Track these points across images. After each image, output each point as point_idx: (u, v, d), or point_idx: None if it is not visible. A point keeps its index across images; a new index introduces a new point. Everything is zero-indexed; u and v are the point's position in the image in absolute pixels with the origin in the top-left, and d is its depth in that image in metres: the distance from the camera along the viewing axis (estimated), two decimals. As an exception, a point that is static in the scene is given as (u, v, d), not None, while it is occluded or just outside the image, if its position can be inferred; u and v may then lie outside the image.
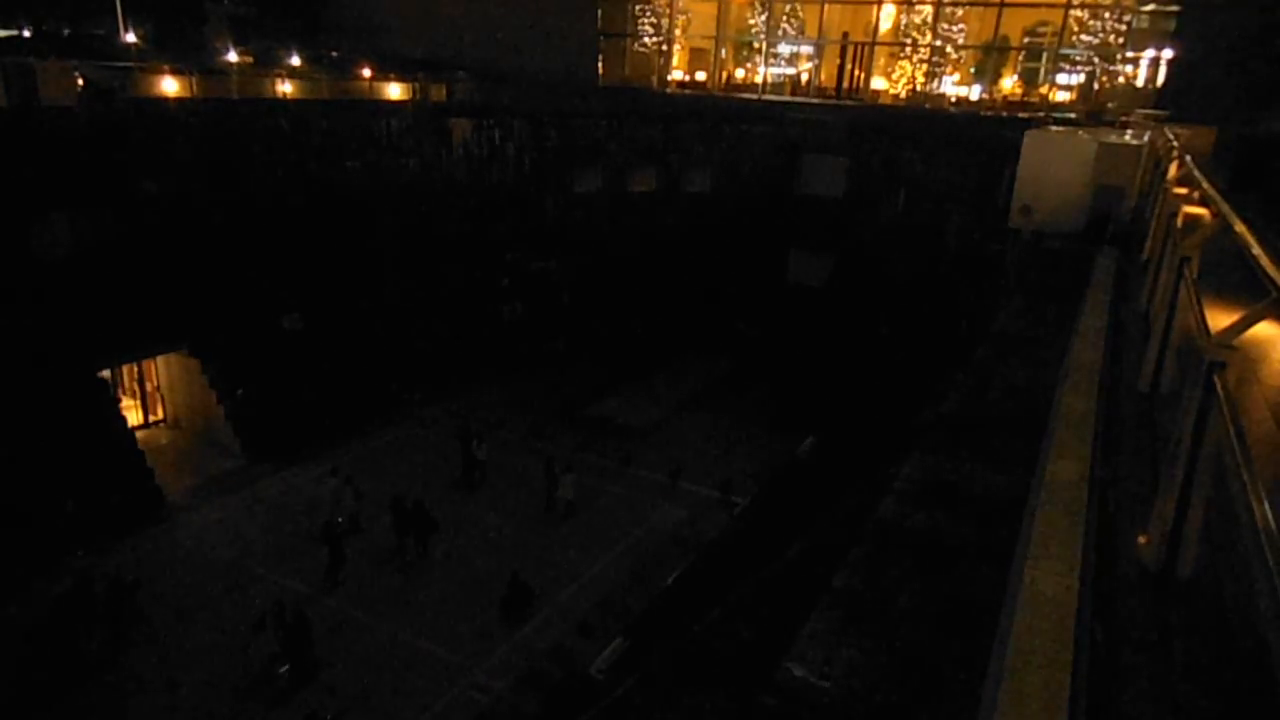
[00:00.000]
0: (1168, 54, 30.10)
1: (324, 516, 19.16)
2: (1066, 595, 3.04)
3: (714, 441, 25.79)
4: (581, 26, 38.44)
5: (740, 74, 39.96)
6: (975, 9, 33.65)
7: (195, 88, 28.69)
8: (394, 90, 35.51)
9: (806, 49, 37.91)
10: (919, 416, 11.34)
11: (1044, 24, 33.57)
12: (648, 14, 39.11)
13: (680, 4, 38.72)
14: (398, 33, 41.61)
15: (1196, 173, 7.06)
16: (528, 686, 15.40)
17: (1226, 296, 4.93)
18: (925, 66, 34.82)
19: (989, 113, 33.23)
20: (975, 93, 35.29)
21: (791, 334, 30.30)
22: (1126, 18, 31.29)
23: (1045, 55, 34.08)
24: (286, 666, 15.00)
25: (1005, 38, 34.27)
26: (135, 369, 24.83)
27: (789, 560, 10.66)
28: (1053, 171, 15.65)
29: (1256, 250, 3.73)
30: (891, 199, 31.72)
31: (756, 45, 38.56)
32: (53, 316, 20.94)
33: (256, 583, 17.76)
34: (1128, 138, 17.23)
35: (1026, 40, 34.67)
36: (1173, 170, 8.86)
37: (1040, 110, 31.96)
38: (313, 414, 24.30)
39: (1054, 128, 20.41)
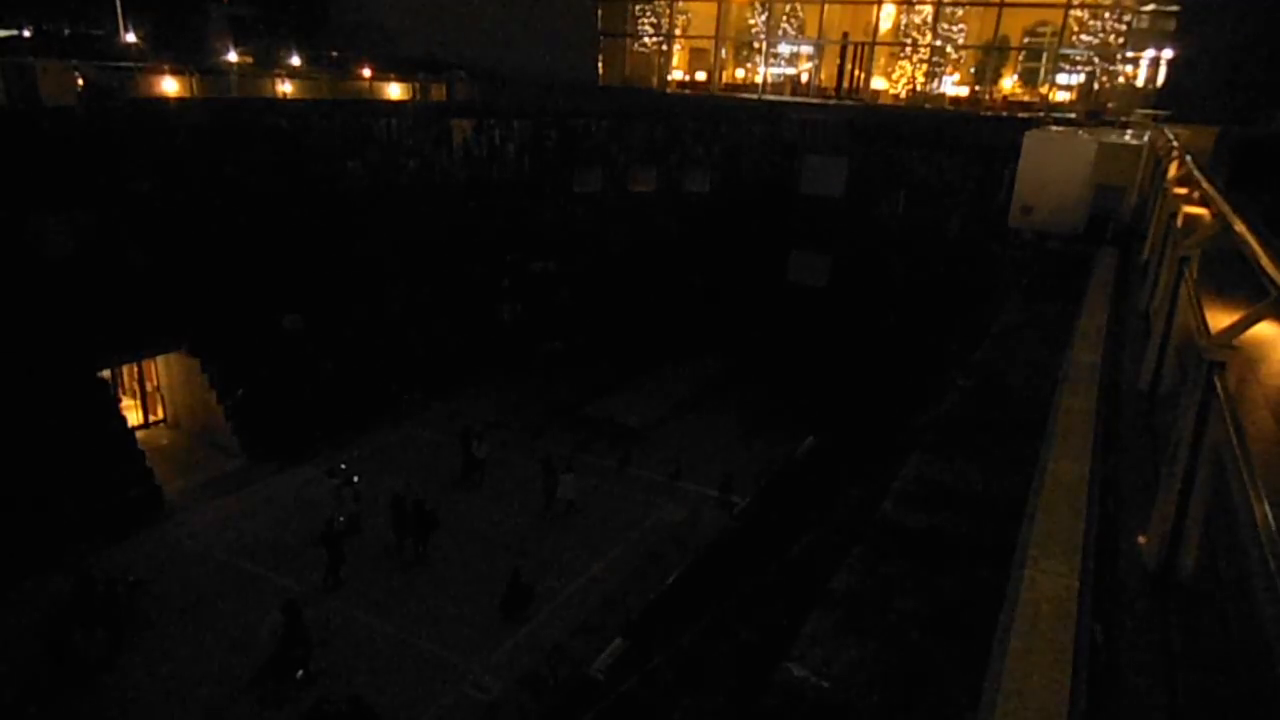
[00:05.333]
0: (1168, 54, 30.10)
1: (324, 516, 19.16)
2: (1066, 595, 3.04)
3: (714, 441, 25.77)
4: (581, 26, 38.45)
5: (740, 74, 39.95)
6: (975, 9, 33.64)
7: (195, 88, 28.66)
8: (394, 90, 35.48)
9: (806, 49, 37.90)
10: (919, 416, 11.34)
11: (1044, 24, 33.56)
12: (648, 14, 39.11)
13: (680, 4, 38.71)
14: (398, 33, 41.61)
15: (1196, 173, 7.05)
16: (528, 686, 15.40)
17: (1226, 296, 4.92)
18: (925, 66, 34.80)
19: (989, 113, 33.22)
20: (975, 93, 35.26)
21: (791, 334, 30.29)
22: (1126, 18, 31.27)
23: (1045, 55, 34.06)
24: (300, 672, 15.00)
25: (1005, 38, 34.25)
26: (135, 369, 24.82)
27: (789, 560, 10.66)
28: (1053, 171, 15.66)
29: (1256, 250, 3.72)
30: (891, 199, 31.71)
31: (756, 45, 38.56)
32: (53, 316, 20.93)
33: (256, 583, 17.75)
34: (1128, 138, 17.22)
35: (1026, 40, 34.65)
36: (1173, 170, 8.86)
37: (1040, 110, 31.95)
38: (313, 414, 24.29)
39: (1054, 128, 20.41)
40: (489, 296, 31.64)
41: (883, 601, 4.10)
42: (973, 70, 35.33)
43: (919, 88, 35.01)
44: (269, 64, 38.18)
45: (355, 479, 20.22)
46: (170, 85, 28.18)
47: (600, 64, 39.11)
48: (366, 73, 36.41)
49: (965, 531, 4.73)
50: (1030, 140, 16.14)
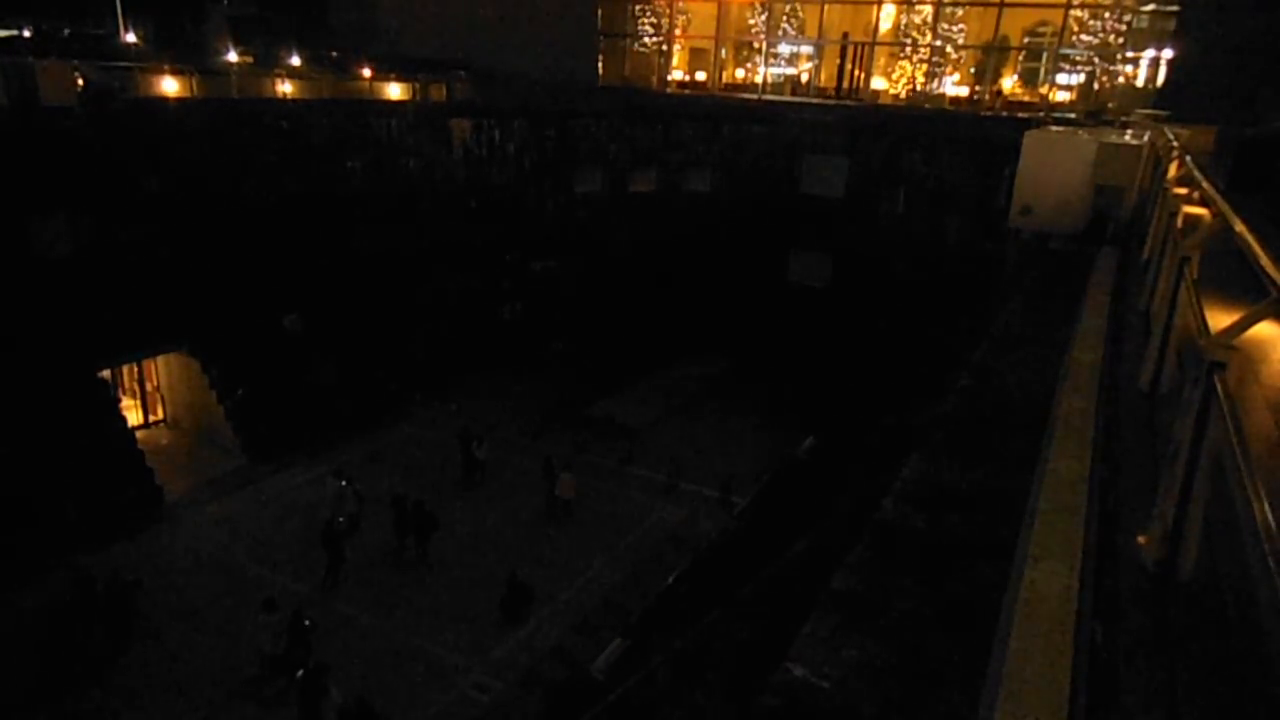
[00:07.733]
0: (1168, 54, 30.08)
1: (324, 517, 19.16)
2: (1066, 595, 3.04)
3: (714, 441, 25.78)
4: (581, 26, 38.43)
5: (740, 74, 39.94)
6: (975, 9, 33.62)
7: (195, 88, 28.63)
8: (394, 90, 35.45)
9: (806, 49, 37.89)
10: (919, 416, 11.34)
11: (1044, 24, 33.53)
12: (648, 14, 39.10)
13: (680, 4, 38.71)
14: (398, 33, 41.60)
15: (1196, 173, 7.05)
16: (528, 686, 15.40)
17: (1226, 296, 4.92)
18: (925, 66, 34.79)
19: (989, 113, 33.20)
20: (975, 93, 35.26)
21: (792, 334, 30.30)
22: (1126, 18, 31.26)
23: (1045, 55, 34.04)
24: (301, 672, 14.98)
25: (1005, 38, 34.23)
26: (135, 369, 24.83)
27: (789, 560, 10.66)
28: (1053, 171, 15.63)
29: (1256, 250, 3.72)
30: (891, 199, 31.70)
31: (756, 45, 38.55)
32: (53, 316, 20.93)
33: (256, 583, 17.75)
34: (1128, 138, 17.20)
35: (1026, 40, 34.64)
36: (1173, 170, 8.85)
37: (1040, 110, 31.93)
38: (313, 414, 24.30)
39: (1054, 128, 20.38)
40: (489, 296, 31.65)
41: (883, 601, 4.10)
42: (973, 70, 35.31)
43: (919, 88, 35.00)
44: (269, 64, 38.10)
45: (355, 480, 20.22)
46: (170, 85, 28.16)
47: (600, 64, 39.09)
48: (366, 73, 36.35)
49: (965, 531, 4.74)
50: (1030, 140, 16.10)
